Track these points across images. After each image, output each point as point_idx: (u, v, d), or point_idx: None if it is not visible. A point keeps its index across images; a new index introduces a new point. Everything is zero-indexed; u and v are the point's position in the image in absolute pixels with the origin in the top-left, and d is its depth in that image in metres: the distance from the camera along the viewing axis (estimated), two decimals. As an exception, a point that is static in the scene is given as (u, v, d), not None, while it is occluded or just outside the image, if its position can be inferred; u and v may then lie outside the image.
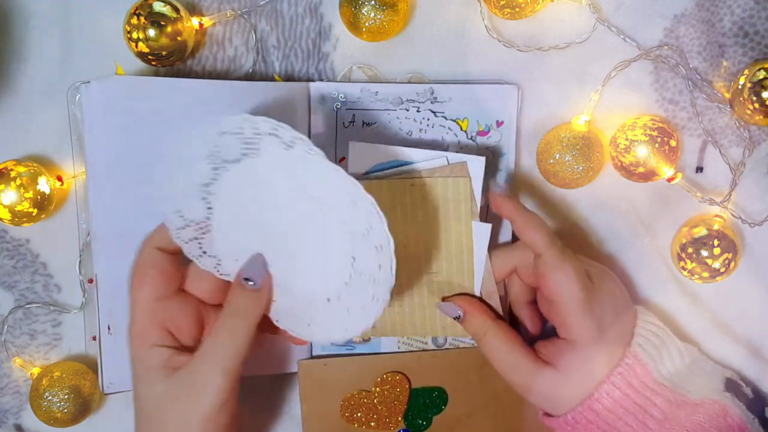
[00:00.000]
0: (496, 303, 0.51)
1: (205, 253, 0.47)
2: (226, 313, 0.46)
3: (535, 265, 0.48)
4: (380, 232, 0.42)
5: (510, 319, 0.53)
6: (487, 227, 0.50)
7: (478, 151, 0.53)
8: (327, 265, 0.45)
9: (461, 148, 0.54)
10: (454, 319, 0.50)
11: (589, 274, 0.48)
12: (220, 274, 0.48)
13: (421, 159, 0.49)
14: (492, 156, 0.54)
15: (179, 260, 0.48)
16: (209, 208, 0.46)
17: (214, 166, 0.45)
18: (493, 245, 0.52)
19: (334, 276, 0.45)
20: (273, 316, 0.48)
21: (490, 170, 0.54)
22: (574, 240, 0.55)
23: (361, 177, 0.50)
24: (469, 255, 0.50)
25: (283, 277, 0.46)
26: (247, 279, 0.46)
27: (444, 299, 0.51)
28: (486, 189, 0.50)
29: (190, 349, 0.47)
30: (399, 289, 0.51)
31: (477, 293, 0.51)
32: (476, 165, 0.49)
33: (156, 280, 0.47)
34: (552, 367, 0.48)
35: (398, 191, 0.49)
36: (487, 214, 0.53)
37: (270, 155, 0.44)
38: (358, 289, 0.44)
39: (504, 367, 0.49)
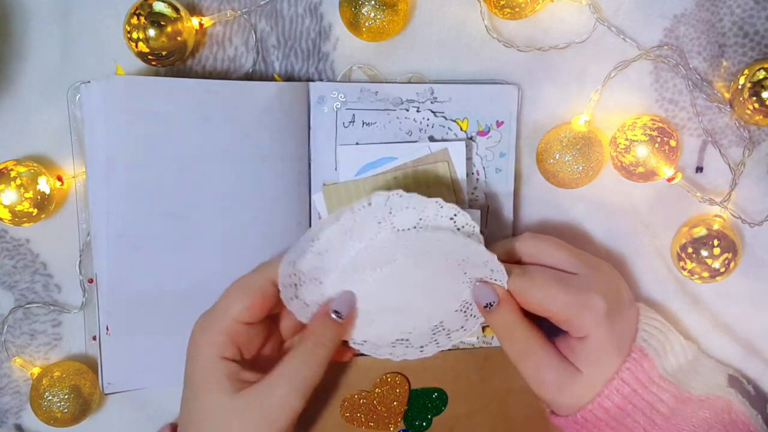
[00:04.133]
0: None
1: (297, 298, 0.48)
2: (310, 340, 0.47)
3: (515, 298, 0.48)
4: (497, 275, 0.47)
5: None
6: (476, 213, 0.51)
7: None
8: (436, 300, 0.49)
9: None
10: (484, 307, 0.48)
11: (577, 268, 0.49)
12: (301, 316, 0.49)
13: (405, 152, 0.51)
14: (472, 140, 0.54)
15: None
16: (317, 267, 0.48)
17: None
18: (494, 239, 0.52)
19: (442, 308, 0.49)
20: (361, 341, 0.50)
21: (491, 169, 0.54)
22: (575, 240, 0.54)
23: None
24: None
25: (388, 315, 0.49)
26: (336, 312, 0.47)
27: (480, 281, 0.48)
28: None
29: (250, 365, 0.48)
30: None
31: None
32: (457, 149, 0.50)
33: (255, 306, 0.47)
34: (578, 371, 0.48)
35: (383, 186, 0.51)
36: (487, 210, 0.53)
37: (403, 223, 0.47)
38: (457, 317, 0.49)
39: (533, 362, 0.48)
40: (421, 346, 0.49)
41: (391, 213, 0.46)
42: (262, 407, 0.45)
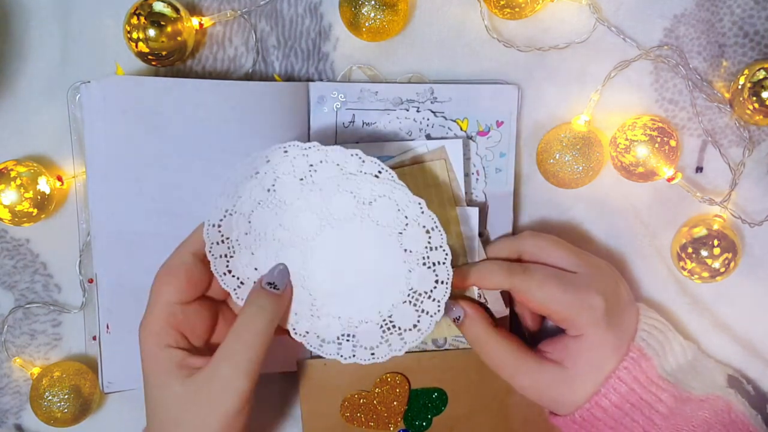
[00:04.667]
0: (495, 297, 0.51)
1: (230, 272, 0.48)
2: (247, 314, 0.45)
3: (514, 296, 0.49)
4: (439, 247, 0.45)
5: (511, 318, 0.54)
6: (474, 211, 0.50)
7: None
8: (381, 287, 0.47)
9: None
10: (453, 321, 0.50)
11: (577, 267, 0.49)
12: (237, 297, 0.48)
13: (402, 150, 0.50)
14: (472, 140, 0.54)
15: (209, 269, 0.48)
16: (247, 232, 0.47)
17: (269, 188, 0.46)
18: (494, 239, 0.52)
19: (388, 298, 0.47)
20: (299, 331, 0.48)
21: (491, 169, 0.54)
22: (575, 240, 0.54)
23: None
24: (458, 238, 0.50)
25: (334, 301, 0.47)
26: (270, 284, 0.46)
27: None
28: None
29: (200, 351, 0.48)
30: None
31: (475, 288, 0.51)
32: (455, 148, 0.49)
33: (183, 283, 0.47)
34: (560, 365, 0.48)
35: None
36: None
37: (326, 181, 0.46)
38: (407, 312, 0.46)
39: (508, 371, 0.49)
40: (372, 349, 0.47)
41: (312, 167, 0.45)
42: (209, 392, 0.44)
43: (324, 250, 0.47)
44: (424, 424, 0.56)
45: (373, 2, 0.50)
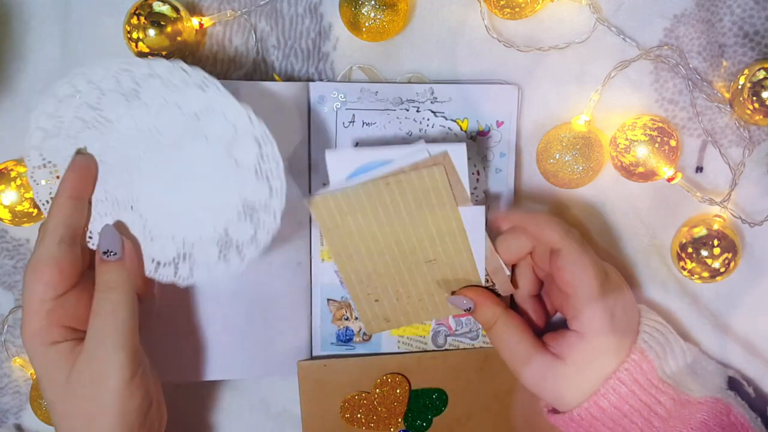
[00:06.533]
0: (503, 279, 0.51)
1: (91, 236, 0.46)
2: (99, 290, 0.45)
3: (551, 259, 0.48)
4: (270, 157, 0.44)
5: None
6: (481, 210, 0.50)
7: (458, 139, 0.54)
8: (214, 203, 0.45)
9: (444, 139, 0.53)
10: (465, 311, 0.51)
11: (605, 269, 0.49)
12: (92, 244, 0.47)
13: (401, 155, 0.48)
14: (474, 142, 0.54)
15: (80, 248, 0.46)
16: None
17: (94, 107, 0.45)
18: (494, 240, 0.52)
19: (222, 213, 0.45)
20: (150, 267, 0.47)
21: (491, 169, 0.54)
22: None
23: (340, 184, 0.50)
24: (463, 238, 0.50)
25: (167, 221, 0.46)
26: (105, 252, 0.45)
27: (453, 293, 0.51)
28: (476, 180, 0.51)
29: None
30: (402, 281, 0.51)
31: (481, 273, 0.51)
32: (458, 152, 0.48)
33: (54, 277, 0.44)
34: (561, 360, 0.48)
35: (375, 194, 0.48)
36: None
37: (150, 97, 0.44)
38: (243, 226, 0.45)
39: (512, 356, 0.49)
40: (210, 267, 0.46)
41: (137, 84, 0.44)
42: (91, 374, 0.44)
43: (153, 169, 0.46)
44: (424, 424, 0.56)
45: (373, 2, 0.50)
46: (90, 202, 0.47)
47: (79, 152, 0.46)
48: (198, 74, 0.44)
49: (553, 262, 0.48)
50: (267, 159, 0.44)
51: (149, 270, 0.47)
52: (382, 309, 0.52)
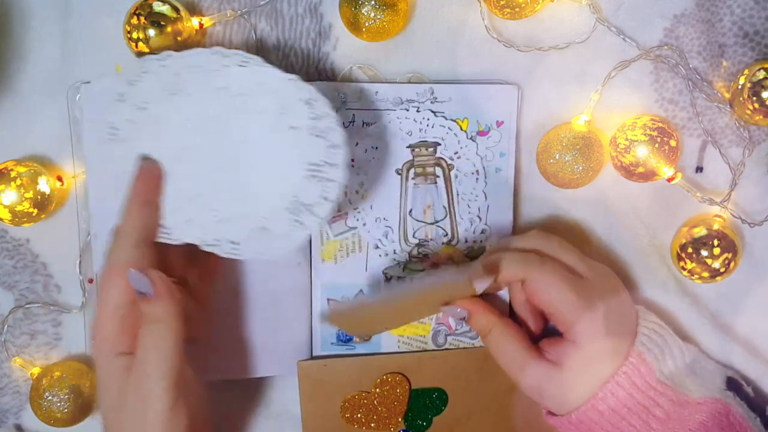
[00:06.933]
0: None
1: None
2: (145, 320, 0.45)
3: (523, 288, 0.49)
4: (323, 114, 0.45)
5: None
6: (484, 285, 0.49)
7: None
8: (277, 172, 0.46)
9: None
10: (460, 320, 0.51)
11: (584, 272, 0.49)
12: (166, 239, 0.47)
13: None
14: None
15: (154, 252, 0.47)
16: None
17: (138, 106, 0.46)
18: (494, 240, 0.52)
19: (287, 180, 0.46)
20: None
21: (491, 169, 0.54)
22: (575, 240, 0.54)
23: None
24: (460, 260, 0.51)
25: (236, 201, 0.47)
26: (141, 293, 0.45)
27: (447, 303, 0.51)
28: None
29: None
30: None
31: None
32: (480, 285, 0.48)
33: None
34: (558, 367, 0.48)
35: (392, 310, 0.52)
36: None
37: (195, 85, 0.46)
38: (310, 186, 0.46)
39: (509, 364, 0.49)
40: (288, 235, 0.46)
41: (177, 75, 0.46)
42: (137, 393, 0.44)
43: (211, 155, 0.46)
44: (424, 424, 0.56)
45: (373, 2, 0.50)
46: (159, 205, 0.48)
47: (143, 158, 0.47)
48: (237, 56, 0.46)
49: (526, 291, 0.49)
50: (320, 117, 0.45)
51: (228, 251, 0.47)
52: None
